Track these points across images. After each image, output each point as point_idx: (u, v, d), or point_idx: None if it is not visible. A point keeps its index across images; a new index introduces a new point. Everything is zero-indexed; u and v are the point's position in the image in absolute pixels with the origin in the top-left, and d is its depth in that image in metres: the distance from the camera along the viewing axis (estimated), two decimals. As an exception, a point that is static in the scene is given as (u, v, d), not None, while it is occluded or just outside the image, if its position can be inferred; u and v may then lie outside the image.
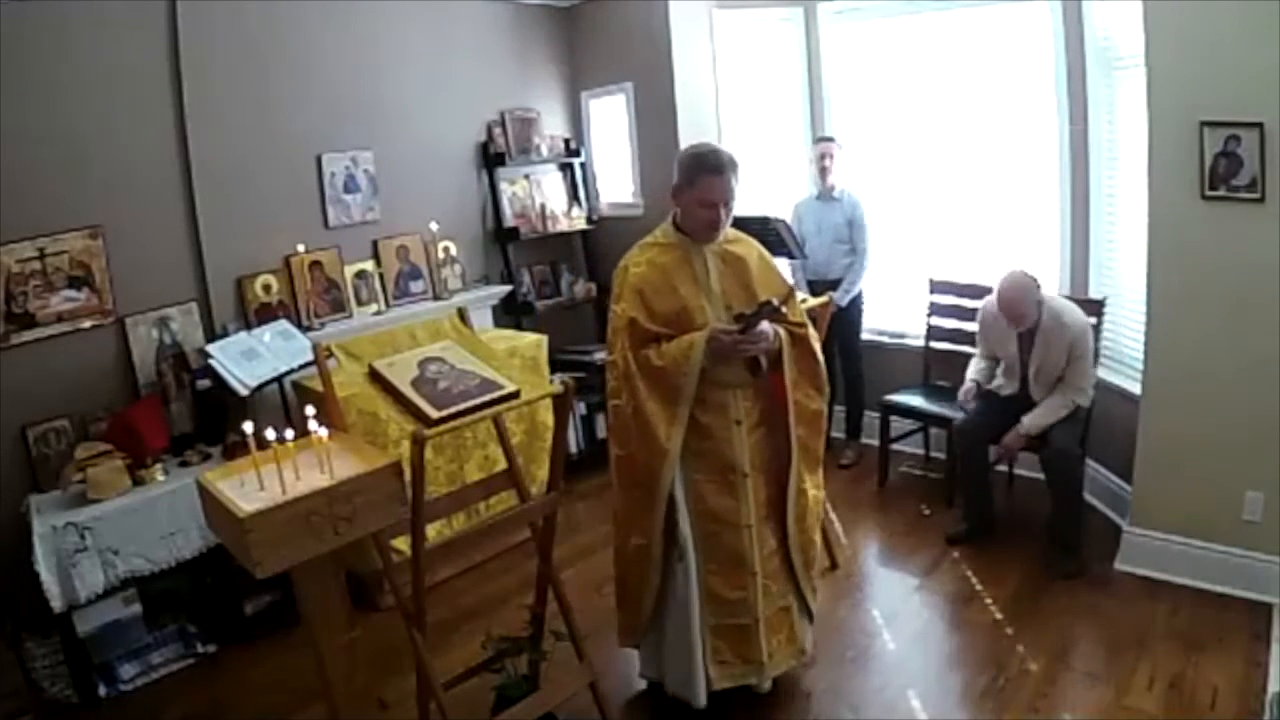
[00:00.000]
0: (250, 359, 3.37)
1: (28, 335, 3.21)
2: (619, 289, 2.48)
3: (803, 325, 2.59)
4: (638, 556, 2.49)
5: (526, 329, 4.51)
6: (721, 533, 2.48)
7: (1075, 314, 3.36)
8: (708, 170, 2.42)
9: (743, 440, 2.48)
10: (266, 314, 3.82)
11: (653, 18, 4.60)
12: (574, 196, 5.16)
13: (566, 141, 5.07)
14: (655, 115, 4.71)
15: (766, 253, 2.67)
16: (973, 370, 3.66)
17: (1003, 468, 4.00)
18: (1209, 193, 2.87)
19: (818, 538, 2.71)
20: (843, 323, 4.25)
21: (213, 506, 1.97)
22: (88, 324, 3.35)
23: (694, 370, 2.36)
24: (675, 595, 2.48)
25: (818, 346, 2.61)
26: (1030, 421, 3.36)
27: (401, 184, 4.34)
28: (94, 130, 3.34)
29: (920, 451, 4.47)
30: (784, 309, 2.44)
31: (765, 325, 2.43)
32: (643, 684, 2.77)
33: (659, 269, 2.46)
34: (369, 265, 4.25)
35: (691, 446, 2.44)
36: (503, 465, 2.62)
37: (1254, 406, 2.90)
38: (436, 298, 4.43)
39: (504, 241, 4.79)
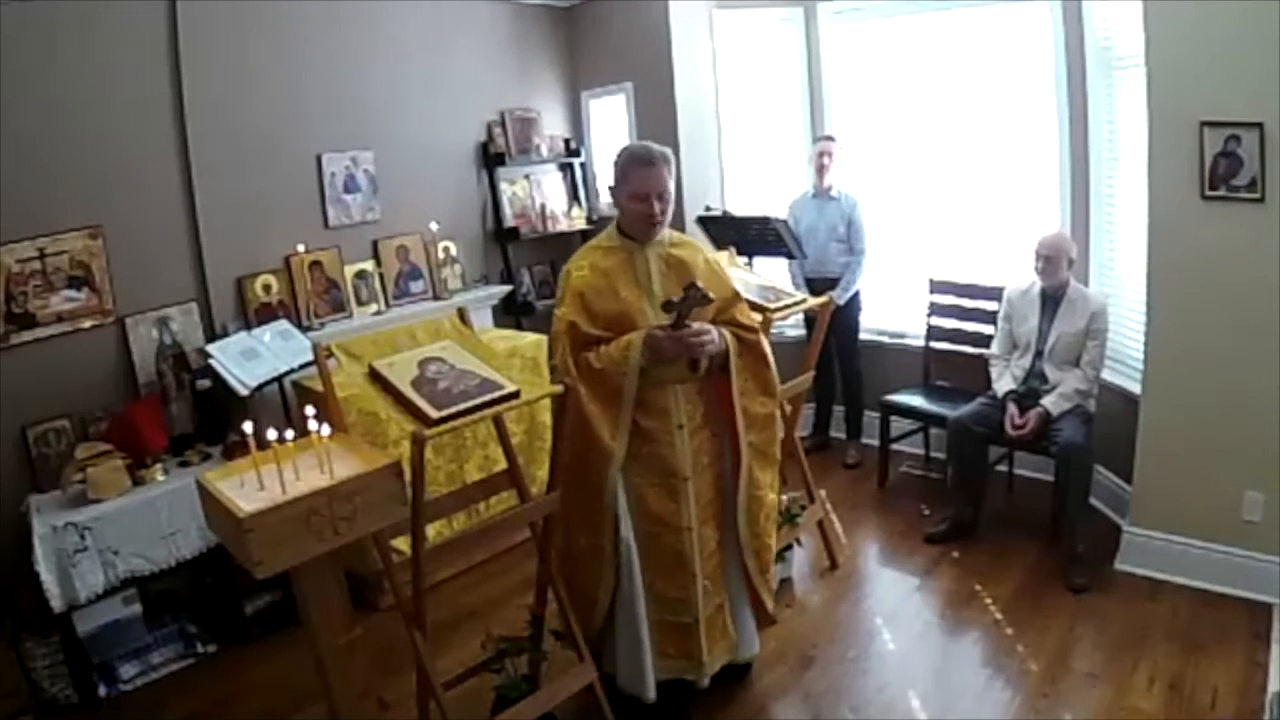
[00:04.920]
0: (250, 359, 3.37)
1: (28, 335, 3.21)
2: (562, 292, 2.47)
3: (753, 330, 2.59)
4: (590, 555, 2.48)
5: (526, 329, 4.51)
6: (662, 534, 2.48)
7: (1097, 292, 3.56)
8: (638, 163, 2.43)
9: (685, 444, 2.48)
10: (266, 314, 3.82)
11: (653, 18, 4.61)
12: (574, 196, 5.17)
13: (566, 141, 5.07)
14: (655, 115, 4.71)
15: (714, 257, 2.68)
16: (1000, 383, 3.61)
17: (1003, 468, 4.00)
18: (1209, 193, 2.87)
19: (774, 541, 2.70)
20: (841, 323, 4.26)
21: (212, 506, 1.96)
22: (88, 324, 3.35)
23: (633, 370, 2.35)
24: (621, 594, 2.49)
25: (768, 349, 2.61)
26: (1052, 401, 3.38)
27: (401, 184, 4.35)
28: (94, 130, 3.34)
29: (920, 451, 4.47)
30: (710, 295, 2.36)
31: (710, 327, 2.41)
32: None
33: (601, 272, 2.46)
34: (369, 265, 4.25)
35: (633, 451, 2.42)
36: (503, 465, 2.62)
37: (1254, 406, 2.90)
38: (436, 298, 4.44)
39: (504, 241, 4.80)
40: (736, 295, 2.62)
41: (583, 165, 5.20)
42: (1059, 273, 3.42)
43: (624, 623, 2.50)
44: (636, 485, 2.47)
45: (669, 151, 2.47)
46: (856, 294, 4.38)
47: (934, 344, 4.28)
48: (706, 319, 2.46)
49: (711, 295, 2.38)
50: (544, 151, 4.92)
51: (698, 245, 2.65)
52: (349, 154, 4.16)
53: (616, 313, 2.41)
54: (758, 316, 3.00)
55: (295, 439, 2.02)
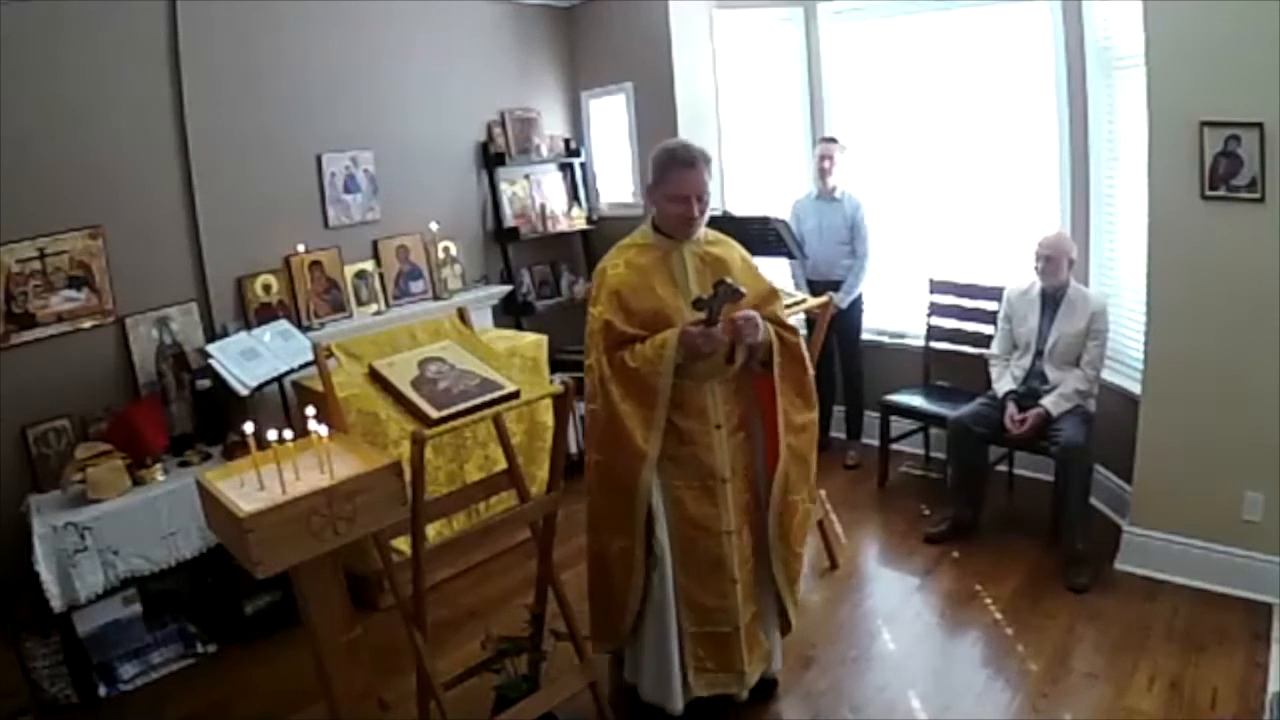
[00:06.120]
0: (250, 359, 3.37)
1: (28, 335, 3.21)
2: (597, 291, 2.44)
3: (794, 331, 2.53)
4: (621, 559, 2.44)
5: (526, 329, 4.51)
6: (700, 539, 2.44)
7: (1097, 292, 3.56)
8: (678, 164, 2.39)
9: (723, 445, 2.44)
10: (266, 314, 3.82)
11: (653, 18, 4.61)
12: (574, 196, 5.17)
13: (566, 141, 5.07)
14: (655, 115, 4.71)
15: (749, 255, 2.62)
16: (1000, 383, 3.61)
17: (1003, 468, 4.00)
18: (1209, 193, 2.88)
19: (804, 551, 2.65)
20: (842, 323, 4.25)
21: (212, 506, 1.96)
22: (88, 324, 3.35)
23: (668, 369, 2.31)
24: (652, 601, 2.45)
25: (806, 354, 2.55)
26: (1052, 402, 3.38)
27: (401, 184, 4.34)
28: (94, 130, 3.34)
29: (920, 451, 4.47)
30: (742, 289, 2.32)
31: (755, 314, 2.37)
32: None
33: (637, 270, 2.43)
34: (369, 265, 4.25)
35: (670, 452, 2.39)
36: (503, 465, 2.62)
37: (1254, 407, 2.91)
38: (436, 298, 4.43)
39: (504, 241, 4.80)
40: (774, 292, 2.56)
41: (583, 165, 5.20)
42: (1059, 273, 3.42)
43: (652, 631, 2.46)
44: (674, 488, 2.43)
45: (708, 151, 2.43)
46: (859, 296, 4.37)
47: (934, 344, 4.28)
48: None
49: (744, 290, 2.33)
50: (544, 151, 4.91)
51: (733, 243, 2.59)
52: (349, 154, 4.16)
53: (652, 310, 2.38)
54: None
55: (295, 439, 2.02)
